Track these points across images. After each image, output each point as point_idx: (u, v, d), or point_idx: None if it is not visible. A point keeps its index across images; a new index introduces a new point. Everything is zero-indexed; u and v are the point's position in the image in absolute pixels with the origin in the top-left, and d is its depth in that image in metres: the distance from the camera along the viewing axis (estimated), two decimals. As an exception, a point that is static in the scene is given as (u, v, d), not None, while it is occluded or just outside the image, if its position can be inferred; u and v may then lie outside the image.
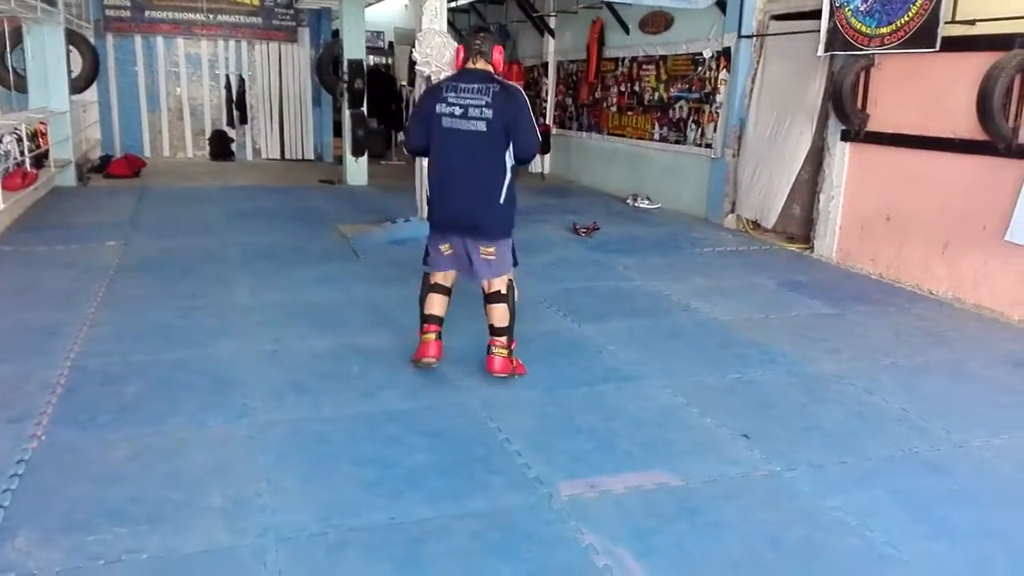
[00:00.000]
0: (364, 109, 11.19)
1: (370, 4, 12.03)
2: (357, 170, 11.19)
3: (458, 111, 3.73)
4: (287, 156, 14.13)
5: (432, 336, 4.05)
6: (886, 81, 6.57)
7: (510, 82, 3.86)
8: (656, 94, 10.02)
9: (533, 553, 2.62)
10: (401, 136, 13.99)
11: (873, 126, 6.69)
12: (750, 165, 8.22)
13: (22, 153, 7.95)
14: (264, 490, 2.90)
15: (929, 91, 6.16)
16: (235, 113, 13.52)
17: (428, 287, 4.09)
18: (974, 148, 5.77)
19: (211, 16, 13.15)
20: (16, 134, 7.84)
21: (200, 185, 10.66)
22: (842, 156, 7.02)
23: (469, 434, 3.47)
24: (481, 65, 3.82)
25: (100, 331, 4.56)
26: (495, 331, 3.99)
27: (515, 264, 4.05)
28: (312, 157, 14.23)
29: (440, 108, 3.77)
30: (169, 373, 3.97)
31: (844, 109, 6.72)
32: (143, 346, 4.35)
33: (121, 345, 4.35)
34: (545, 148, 12.37)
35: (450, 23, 9.22)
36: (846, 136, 6.94)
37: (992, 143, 5.59)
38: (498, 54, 3.85)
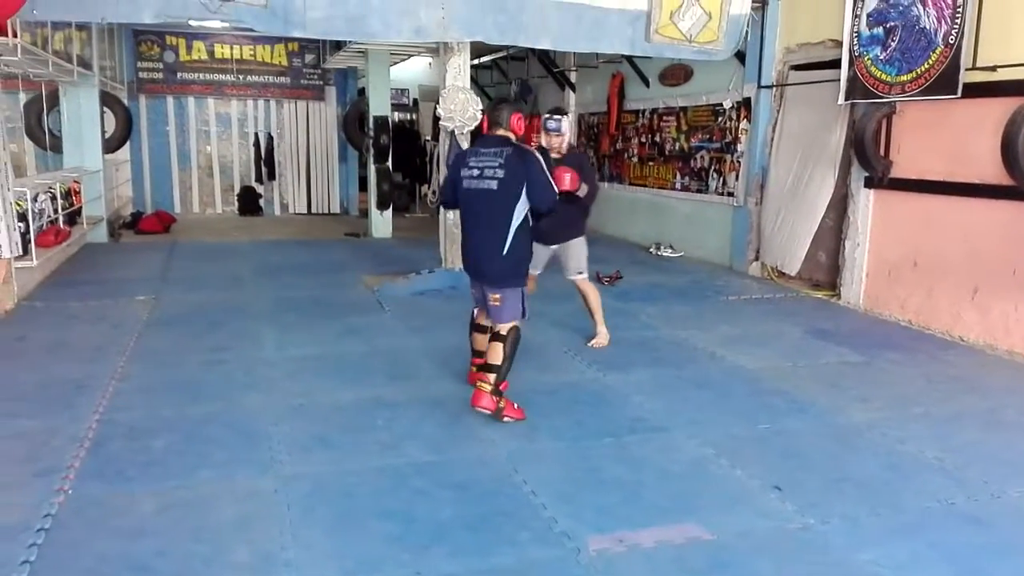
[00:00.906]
0: (389, 164, 11.40)
1: (395, 63, 12.33)
2: (382, 223, 11.36)
3: (475, 172, 4.18)
4: (314, 210, 14.37)
5: (475, 369, 4.50)
6: (908, 128, 6.57)
7: (526, 146, 4.24)
8: (677, 144, 10.10)
9: (561, 609, 2.58)
10: (425, 188, 14.26)
11: (897, 172, 6.67)
12: (773, 213, 8.22)
13: (56, 211, 8.17)
14: (289, 544, 2.89)
15: (952, 137, 6.15)
16: (263, 169, 13.84)
17: (471, 324, 4.66)
18: (1000, 193, 5.73)
19: (241, 77, 13.54)
20: (51, 192, 8.07)
21: (229, 240, 10.84)
22: (866, 202, 7.00)
23: (494, 487, 3.43)
24: (500, 132, 4.27)
25: (129, 385, 4.61)
26: (486, 367, 4.21)
27: (524, 315, 4.28)
28: (338, 211, 14.47)
29: (463, 172, 4.25)
30: (196, 427, 3.99)
31: (867, 156, 6.72)
32: (171, 400, 4.39)
33: (149, 399, 4.40)
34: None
35: (473, 80, 9.41)
36: (870, 183, 6.93)
37: (1018, 188, 5.55)
38: (516, 121, 4.28)
